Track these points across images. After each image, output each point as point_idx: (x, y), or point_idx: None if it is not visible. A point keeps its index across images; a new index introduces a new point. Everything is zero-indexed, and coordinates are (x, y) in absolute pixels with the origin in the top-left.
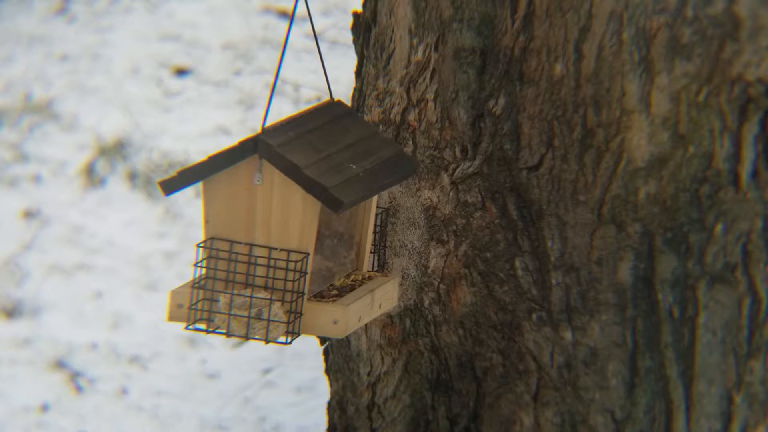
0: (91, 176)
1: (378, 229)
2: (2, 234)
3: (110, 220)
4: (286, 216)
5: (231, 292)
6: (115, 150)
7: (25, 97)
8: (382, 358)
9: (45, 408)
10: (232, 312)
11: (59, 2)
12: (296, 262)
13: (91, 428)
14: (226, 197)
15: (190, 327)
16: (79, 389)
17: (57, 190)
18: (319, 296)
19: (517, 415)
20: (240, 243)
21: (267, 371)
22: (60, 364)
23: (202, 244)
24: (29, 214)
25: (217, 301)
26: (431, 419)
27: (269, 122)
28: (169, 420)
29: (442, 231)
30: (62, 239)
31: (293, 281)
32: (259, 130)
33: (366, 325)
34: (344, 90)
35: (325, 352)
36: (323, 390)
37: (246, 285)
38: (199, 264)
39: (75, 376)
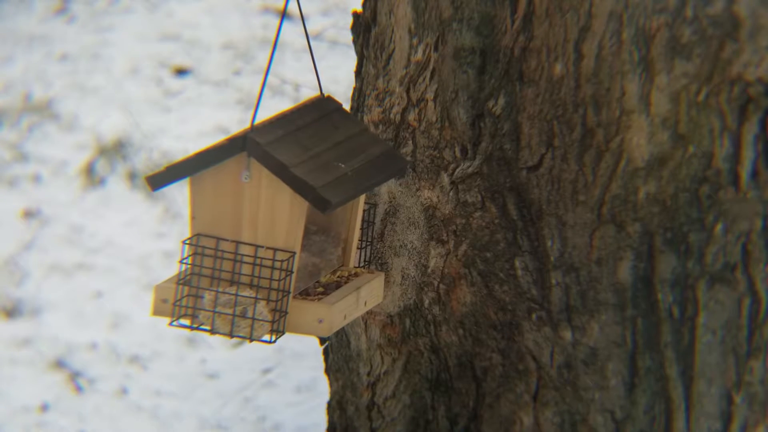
0: (91, 176)
1: (365, 224)
2: (2, 234)
3: (110, 220)
4: (273, 214)
5: (216, 290)
6: (115, 150)
7: (25, 97)
8: (382, 358)
9: (45, 408)
10: (217, 309)
11: (59, 2)
12: (282, 260)
13: (91, 428)
14: (214, 194)
15: (174, 323)
16: (79, 389)
17: (57, 190)
18: (305, 294)
19: (516, 415)
20: (226, 240)
21: (267, 371)
22: (60, 364)
23: (187, 241)
24: (29, 214)
25: (201, 297)
26: (431, 419)
27: (265, 120)
28: (169, 420)
29: (441, 231)
30: (62, 239)
31: (279, 280)
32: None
33: (366, 325)
34: (344, 90)
35: (325, 352)
36: (323, 390)
37: (231, 283)
38: (185, 261)
39: (75, 376)
